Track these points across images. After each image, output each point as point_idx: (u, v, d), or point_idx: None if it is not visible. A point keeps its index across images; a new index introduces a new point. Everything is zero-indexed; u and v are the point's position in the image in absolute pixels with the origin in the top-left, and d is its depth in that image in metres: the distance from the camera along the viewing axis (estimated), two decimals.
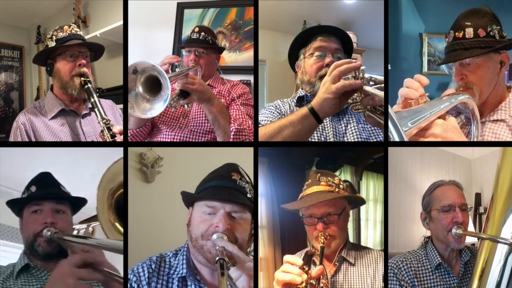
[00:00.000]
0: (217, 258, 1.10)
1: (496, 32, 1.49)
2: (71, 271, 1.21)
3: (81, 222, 1.79)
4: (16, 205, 1.59)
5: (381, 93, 1.25)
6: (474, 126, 1.52)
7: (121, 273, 1.36)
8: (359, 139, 1.66)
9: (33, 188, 1.57)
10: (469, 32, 1.49)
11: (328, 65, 1.66)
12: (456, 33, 1.51)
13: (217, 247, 1.16)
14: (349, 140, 1.67)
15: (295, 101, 1.80)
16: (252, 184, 1.35)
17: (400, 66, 3.01)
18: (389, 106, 1.16)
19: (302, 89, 1.83)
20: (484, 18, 1.50)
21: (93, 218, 1.77)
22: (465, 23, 1.50)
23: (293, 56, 1.85)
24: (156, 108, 1.51)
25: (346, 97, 1.33)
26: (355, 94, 1.35)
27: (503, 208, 1.28)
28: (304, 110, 1.36)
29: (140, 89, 1.52)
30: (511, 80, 3.24)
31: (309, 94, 1.77)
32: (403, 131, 1.13)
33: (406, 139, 1.14)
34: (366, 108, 1.34)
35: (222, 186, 1.28)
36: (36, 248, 1.50)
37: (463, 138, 1.35)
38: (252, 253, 1.50)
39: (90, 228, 1.73)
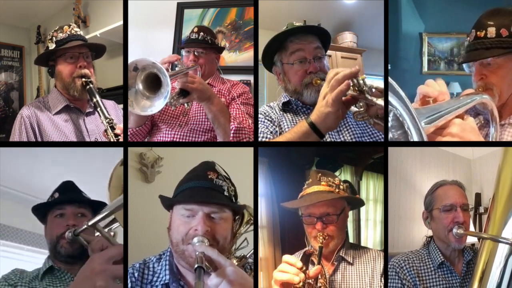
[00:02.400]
0: (195, 266, 1.06)
1: None
2: (104, 269, 1.02)
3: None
4: (40, 211, 1.66)
5: (381, 103, 1.21)
6: (493, 127, 1.49)
7: None
8: (355, 135, 1.63)
9: (56, 195, 1.65)
10: (491, 31, 1.45)
11: (311, 72, 1.61)
12: (478, 32, 1.48)
13: (197, 253, 1.11)
14: (345, 137, 1.63)
15: (281, 107, 1.73)
16: (231, 181, 1.31)
17: (400, 66, 3.02)
18: (409, 103, 1.12)
19: (284, 92, 1.75)
20: (507, 18, 1.46)
21: (112, 222, 1.78)
22: (488, 23, 1.46)
23: (268, 61, 1.74)
24: (157, 105, 1.51)
25: (347, 106, 1.30)
26: (359, 104, 1.32)
27: (504, 209, 1.28)
28: (304, 126, 1.32)
29: (140, 86, 1.52)
30: None
31: (293, 99, 1.71)
32: (422, 128, 1.10)
33: (425, 136, 1.10)
34: (372, 117, 1.31)
35: (199, 187, 1.24)
36: (59, 250, 1.58)
37: (481, 139, 1.33)
38: (237, 253, 1.49)
39: (112, 233, 1.75)
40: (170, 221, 1.28)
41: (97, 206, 1.67)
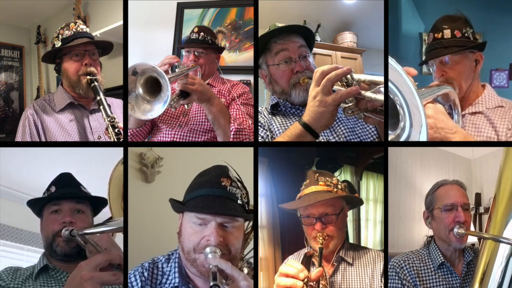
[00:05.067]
0: (211, 284, 1.05)
1: (470, 34, 1.68)
2: (91, 276, 1.06)
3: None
4: (36, 205, 1.59)
5: (381, 97, 1.22)
6: (456, 115, 1.65)
7: None
8: (347, 129, 1.60)
9: (53, 188, 1.58)
10: (447, 33, 1.68)
11: (298, 71, 1.60)
12: (435, 35, 1.70)
13: (211, 266, 1.10)
14: (338, 133, 1.60)
15: (269, 110, 1.70)
16: (244, 186, 1.30)
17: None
18: (413, 85, 1.14)
19: (272, 94, 1.74)
20: (458, 21, 1.69)
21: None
22: (443, 26, 1.69)
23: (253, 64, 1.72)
24: (156, 109, 1.50)
25: (339, 104, 1.28)
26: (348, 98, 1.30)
27: (505, 209, 1.29)
28: (297, 128, 1.30)
29: (140, 90, 1.51)
30: (511, 80, 3.25)
31: (282, 100, 1.68)
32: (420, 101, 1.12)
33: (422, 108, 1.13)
34: (362, 111, 1.30)
35: (212, 195, 1.21)
36: (55, 248, 1.50)
37: (451, 121, 1.47)
38: (249, 259, 1.50)
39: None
40: (181, 226, 1.25)
41: (96, 202, 1.61)
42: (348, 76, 1.28)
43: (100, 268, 1.09)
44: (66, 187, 1.59)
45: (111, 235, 1.55)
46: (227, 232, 1.20)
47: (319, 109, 1.26)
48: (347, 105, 1.32)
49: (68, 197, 1.55)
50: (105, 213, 1.65)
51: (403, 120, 1.15)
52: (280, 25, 1.65)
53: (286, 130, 1.37)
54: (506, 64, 3.27)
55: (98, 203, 1.62)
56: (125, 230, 1.49)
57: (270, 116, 1.68)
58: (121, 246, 1.49)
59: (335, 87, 1.30)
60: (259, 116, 1.68)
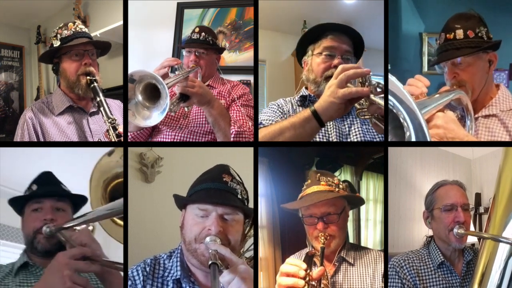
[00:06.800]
0: (210, 262, 1.11)
1: (484, 33, 1.61)
2: (68, 262, 1.22)
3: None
4: (17, 203, 1.60)
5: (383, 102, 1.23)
6: (468, 120, 1.61)
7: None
8: (363, 141, 1.64)
9: (34, 187, 1.59)
10: (459, 33, 1.60)
11: (336, 67, 1.62)
12: (447, 35, 1.63)
13: (210, 251, 1.16)
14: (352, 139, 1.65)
15: (298, 100, 1.78)
16: (244, 185, 1.35)
17: (400, 66, 3.01)
18: (413, 101, 1.14)
19: (306, 88, 1.81)
20: (472, 20, 1.62)
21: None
22: (455, 26, 1.61)
23: (301, 51, 1.81)
24: (154, 116, 1.50)
25: (351, 102, 1.32)
26: (362, 100, 1.33)
27: (505, 210, 1.29)
28: (307, 112, 1.35)
29: (139, 97, 1.51)
30: (511, 80, 3.25)
31: (312, 94, 1.75)
32: (422, 116, 1.12)
33: (425, 124, 1.13)
34: (373, 116, 1.33)
35: (213, 188, 1.28)
36: (36, 245, 1.51)
37: (462, 129, 1.43)
38: (246, 254, 1.51)
39: (90, 227, 1.70)
40: (183, 220, 1.30)
41: (77, 200, 1.63)
42: (366, 78, 1.31)
43: (75, 258, 1.25)
44: (47, 185, 1.60)
45: (90, 231, 1.62)
46: (227, 224, 1.25)
47: (329, 98, 1.30)
48: (360, 108, 1.35)
49: (50, 195, 1.57)
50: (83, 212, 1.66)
51: (408, 132, 1.16)
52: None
53: (298, 113, 1.41)
54: (506, 64, 3.26)
55: (78, 201, 1.64)
56: (125, 230, 1.50)
57: (296, 106, 1.75)
58: (121, 246, 1.50)
59: (349, 84, 1.32)
60: (284, 104, 1.76)
